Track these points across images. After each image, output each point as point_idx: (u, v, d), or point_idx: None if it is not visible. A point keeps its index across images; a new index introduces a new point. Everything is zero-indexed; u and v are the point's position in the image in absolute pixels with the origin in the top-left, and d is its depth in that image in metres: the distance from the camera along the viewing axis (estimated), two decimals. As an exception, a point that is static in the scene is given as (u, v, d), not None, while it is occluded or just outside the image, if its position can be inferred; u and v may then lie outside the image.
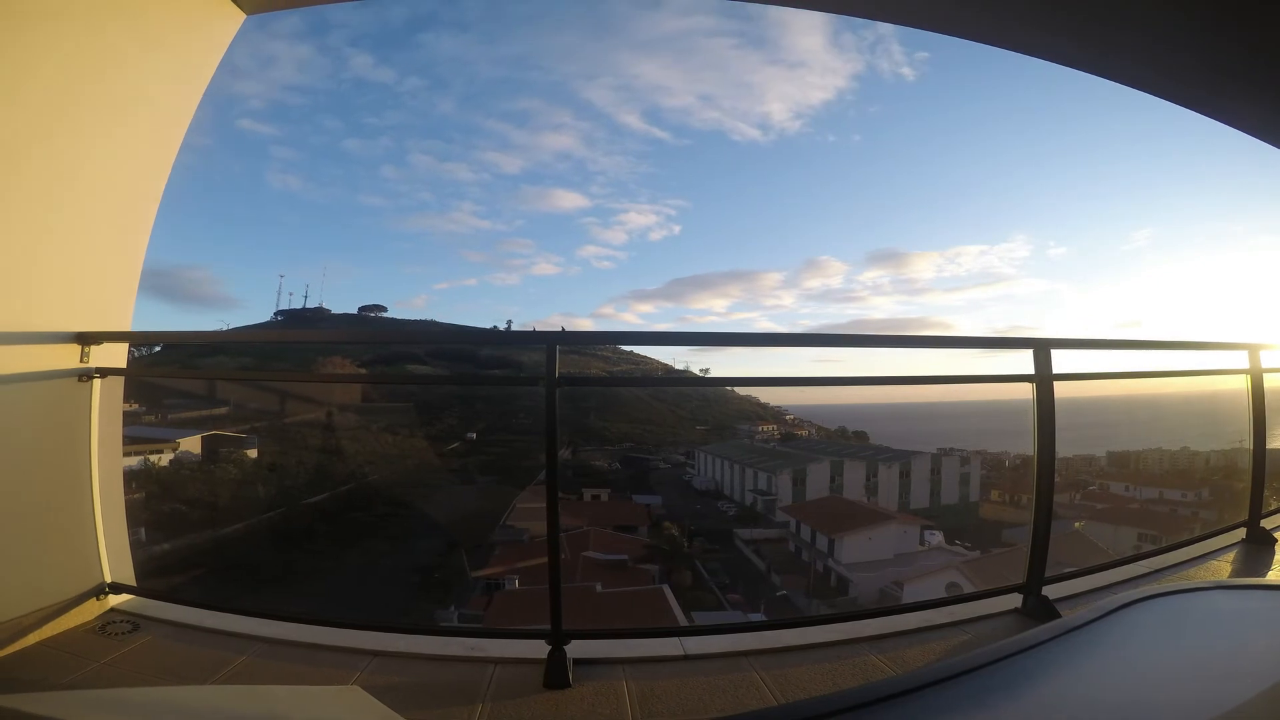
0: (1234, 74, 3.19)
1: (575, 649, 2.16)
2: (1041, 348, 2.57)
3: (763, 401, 51.40)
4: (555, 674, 2.06)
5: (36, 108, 2.30)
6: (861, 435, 43.65)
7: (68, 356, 2.52)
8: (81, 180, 2.52)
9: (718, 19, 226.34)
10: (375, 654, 2.26)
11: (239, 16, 3.01)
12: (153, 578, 2.82)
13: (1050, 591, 2.60)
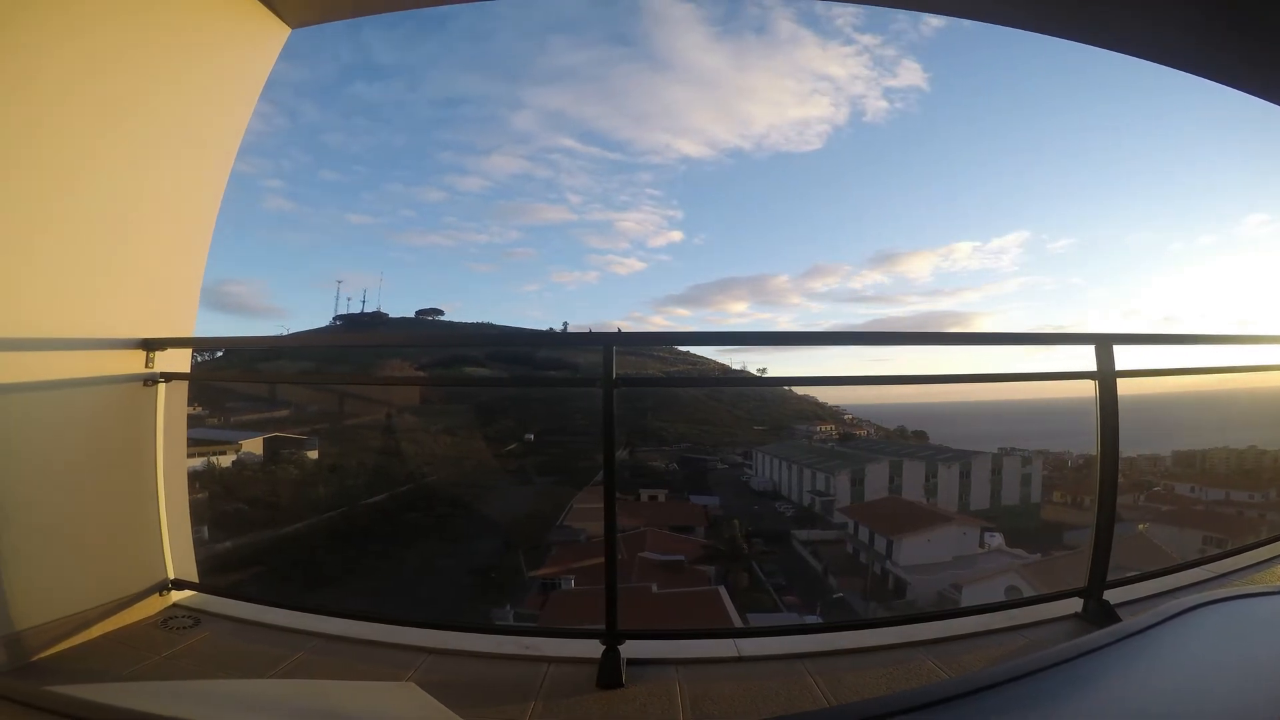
0: (1249, 35, 2.88)
1: (629, 649, 2.15)
2: (1103, 343, 2.48)
3: (821, 401, 50.68)
4: (608, 674, 2.06)
5: (97, 124, 2.39)
6: (921, 435, 42.69)
7: (133, 362, 2.62)
8: (143, 193, 2.62)
9: (608, 47, 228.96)
10: (430, 651, 2.29)
11: (284, 30, 3.08)
12: (214, 575, 2.90)
13: (1112, 596, 2.51)
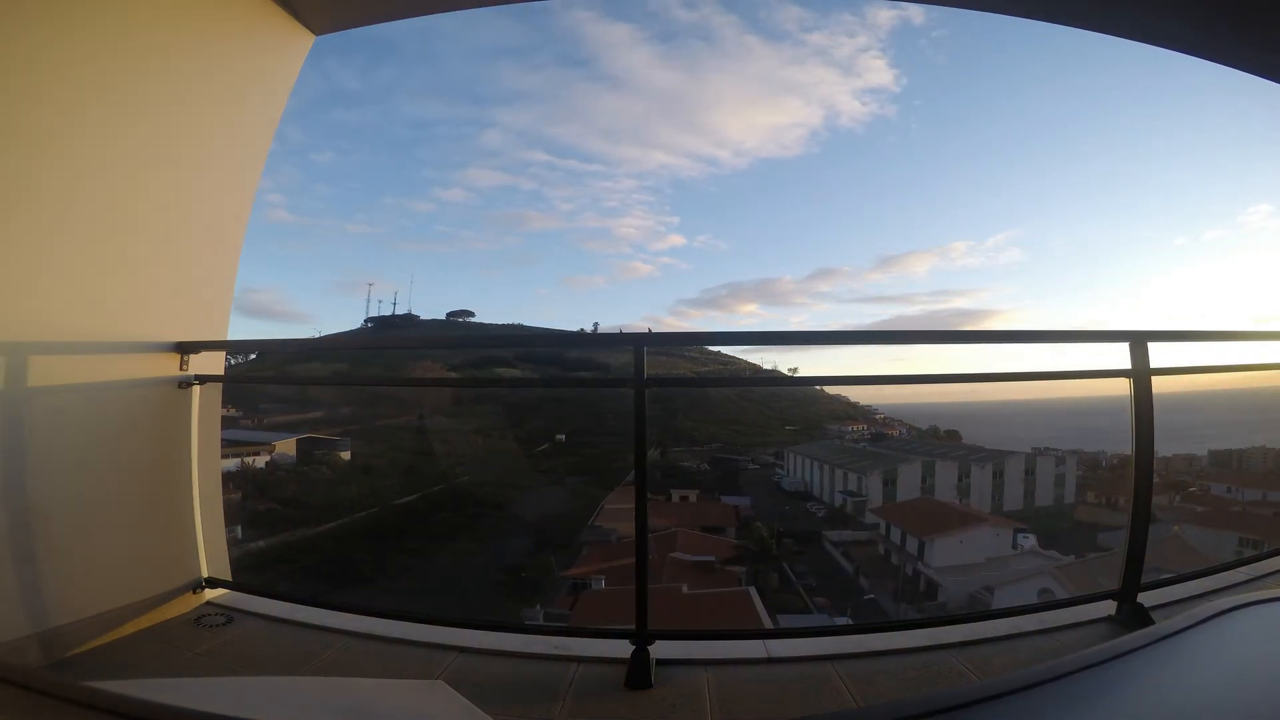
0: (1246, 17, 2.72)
1: (658, 649, 2.15)
2: (1138, 340, 2.43)
3: (852, 401, 49.95)
4: (637, 674, 2.06)
5: (131, 131, 2.45)
6: (953, 435, 42.10)
7: (168, 365, 2.67)
8: (178, 201, 2.68)
9: (560, 69, 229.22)
10: (461, 649, 2.30)
11: (309, 38, 3.13)
12: (247, 573, 2.94)
13: (1146, 599, 2.45)
